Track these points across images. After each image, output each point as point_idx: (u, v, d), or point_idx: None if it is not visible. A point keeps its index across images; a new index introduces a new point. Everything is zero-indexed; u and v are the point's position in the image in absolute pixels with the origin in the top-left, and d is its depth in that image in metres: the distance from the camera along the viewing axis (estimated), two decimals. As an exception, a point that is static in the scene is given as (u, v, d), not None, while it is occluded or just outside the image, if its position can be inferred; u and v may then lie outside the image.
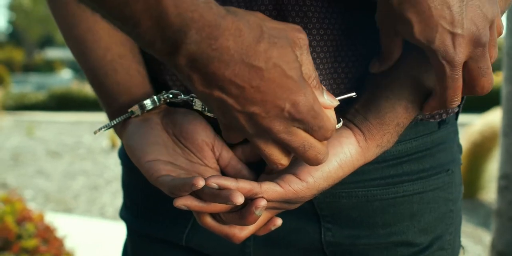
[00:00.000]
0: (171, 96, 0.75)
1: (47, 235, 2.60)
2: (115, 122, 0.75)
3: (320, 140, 0.60)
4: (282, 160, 0.62)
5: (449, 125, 0.83)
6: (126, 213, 0.90)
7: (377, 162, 0.75)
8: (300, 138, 0.59)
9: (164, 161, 0.69)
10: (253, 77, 0.53)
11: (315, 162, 0.61)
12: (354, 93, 0.68)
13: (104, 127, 0.76)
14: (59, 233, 2.77)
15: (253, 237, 0.79)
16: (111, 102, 0.77)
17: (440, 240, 0.82)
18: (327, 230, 0.78)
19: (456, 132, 0.86)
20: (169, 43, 0.51)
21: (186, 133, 0.72)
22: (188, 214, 0.81)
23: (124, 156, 0.90)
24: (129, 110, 0.74)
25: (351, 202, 0.76)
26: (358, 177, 0.75)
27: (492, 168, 4.87)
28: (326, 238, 0.78)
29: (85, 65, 0.78)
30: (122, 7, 0.49)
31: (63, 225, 3.34)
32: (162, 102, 0.75)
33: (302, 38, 0.57)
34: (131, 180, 0.89)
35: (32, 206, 4.27)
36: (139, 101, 0.75)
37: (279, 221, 0.68)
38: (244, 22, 0.52)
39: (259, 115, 0.55)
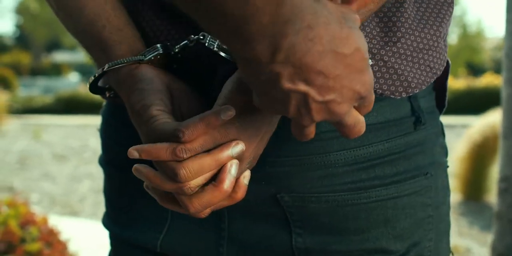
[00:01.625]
0: (188, 42, 0.72)
1: (51, 238, 2.62)
2: (126, 60, 0.71)
3: (363, 114, 0.60)
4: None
5: (427, 126, 0.80)
6: (108, 220, 0.90)
7: (348, 164, 0.74)
8: (353, 116, 0.59)
9: (170, 114, 0.67)
10: (337, 64, 0.52)
11: (358, 134, 0.61)
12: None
13: (113, 64, 0.71)
14: (64, 236, 2.79)
15: (226, 243, 0.79)
16: (110, 54, 0.73)
17: (418, 247, 0.79)
18: (298, 236, 0.76)
19: (439, 134, 0.83)
20: (274, 40, 0.49)
21: (182, 95, 0.71)
22: (163, 219, 0.81)
23: (104, 163, 0.90)
24: (143, 51, 0.72)
25: (321, 207, 0.74)
26: (328, 181, 0.73)
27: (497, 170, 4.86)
28: (297, 245, 0.76)
29: (80, 21, 0.74)
30: (243, 3, 0.46)
31: (68, 228, 3.36)
32: (177, 50, 0.72)
33: (357, 18, 0.57)
34: (110, 186, 0.90)
35: (38, 210, 4.29)
36: (141, 51, 0.72)
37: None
38: (326, 7, 0.52)
39: (335, 101, 0.55)
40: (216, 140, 0.63)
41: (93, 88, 0.76)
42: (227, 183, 0.63)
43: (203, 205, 0.64)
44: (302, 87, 0.53)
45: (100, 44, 0.73)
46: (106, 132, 0.88)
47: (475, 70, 29.03)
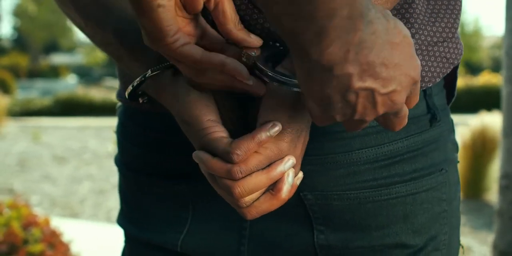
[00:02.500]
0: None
1: (53, 239, 2.62)
2: (170, 64, 0.69)
3: (413, 104, 0.63)
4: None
5: (441, 123, 0.81)
6: (123, 220, 0.91)
7: (369, 162, 0.75)
8: (405, 108, 0.62)
9: (220, 124, 0.68)
10: (393, 54, 0.56)
11: (403, 126, 0.64)
12: None
13: (158, 69, 0.69)
14: (65, 237, 2.79)
15: (247, 242, 0.80)
16: (143, 61, 0.72)
17: (435, 241, 0.81)
18: (320, 233, 0.77)
19: (450, 130, 0.85)
20: (347, 37, 0.52)
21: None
22: (183, 220, 0.82)
23: (120, 163, 0.90)
24: None
25: (343, 204, 0.76)
26: (350, 179, 0.75)
27: (496, 168, 4.87)
28: (319, 242, 0.77)
29: (109, 32, 0.74)
30: None
31: (69, 230, 3.36)
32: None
33: (390, 13, 0.60)
34: (127, 186, 0.90)
35: (39, 211, 4.30)
36: None
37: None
38: (373, 3, 0.55)
39: (396, 91, 0.57)
40: (271, 159, 0.65)
41: (130, 95, 0.75)
42: (285, 192, 0.66)
43: (260, 213, 0.67)
44: (370, 83, 0.55)
45: (133, 52, 0.73)
46: (123, 134, 0.89)
47: (473, 68, 29.08)
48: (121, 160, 0.90)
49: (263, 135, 0.63)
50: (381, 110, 0.59)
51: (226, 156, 0.63)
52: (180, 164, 0.80)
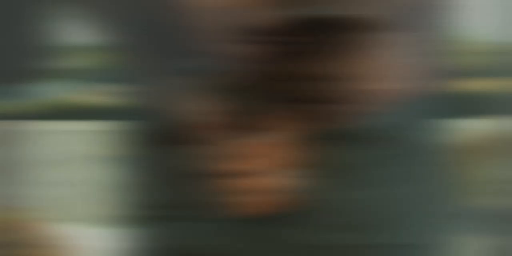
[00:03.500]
0: None
1: (47, 243, 2.62)
2: None
3: None
4: None
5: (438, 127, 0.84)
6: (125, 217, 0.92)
7: None
8: None
9: (221, 126, 0.70)
10: None
11: None
12: None
13: None
14: (58, 241, 2.78)
15: (248, 240, 0.81)
16: None
17: (433, 240, 0.83)
18: (319, 232, 0.78)
19: (447, 133, 0.87)
20: None
21: None
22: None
23: (123, 162, 0.91)
24: None
25: (341, 205, 0.77)
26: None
27: (487, 173, 4.89)
28: (318, 241, 0.78)
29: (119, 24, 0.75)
30: None
31: (62, 233, 3.35)
32: None
33: None
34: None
35: (30, 216, 4.28)
36: None
37: None
38: None
39: None
40: (273, 165, 0.67)
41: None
42: (282, 196, 0.68)
43: (257, 214, 0.70)
44: None
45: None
46: (126, 135, 0.89)
47: (465, 73, 29.20)
48: (125, 160, 0.90)
49: (264, 140, 0.65)
50: None
51: (224, 157, 0.65)
52: None
